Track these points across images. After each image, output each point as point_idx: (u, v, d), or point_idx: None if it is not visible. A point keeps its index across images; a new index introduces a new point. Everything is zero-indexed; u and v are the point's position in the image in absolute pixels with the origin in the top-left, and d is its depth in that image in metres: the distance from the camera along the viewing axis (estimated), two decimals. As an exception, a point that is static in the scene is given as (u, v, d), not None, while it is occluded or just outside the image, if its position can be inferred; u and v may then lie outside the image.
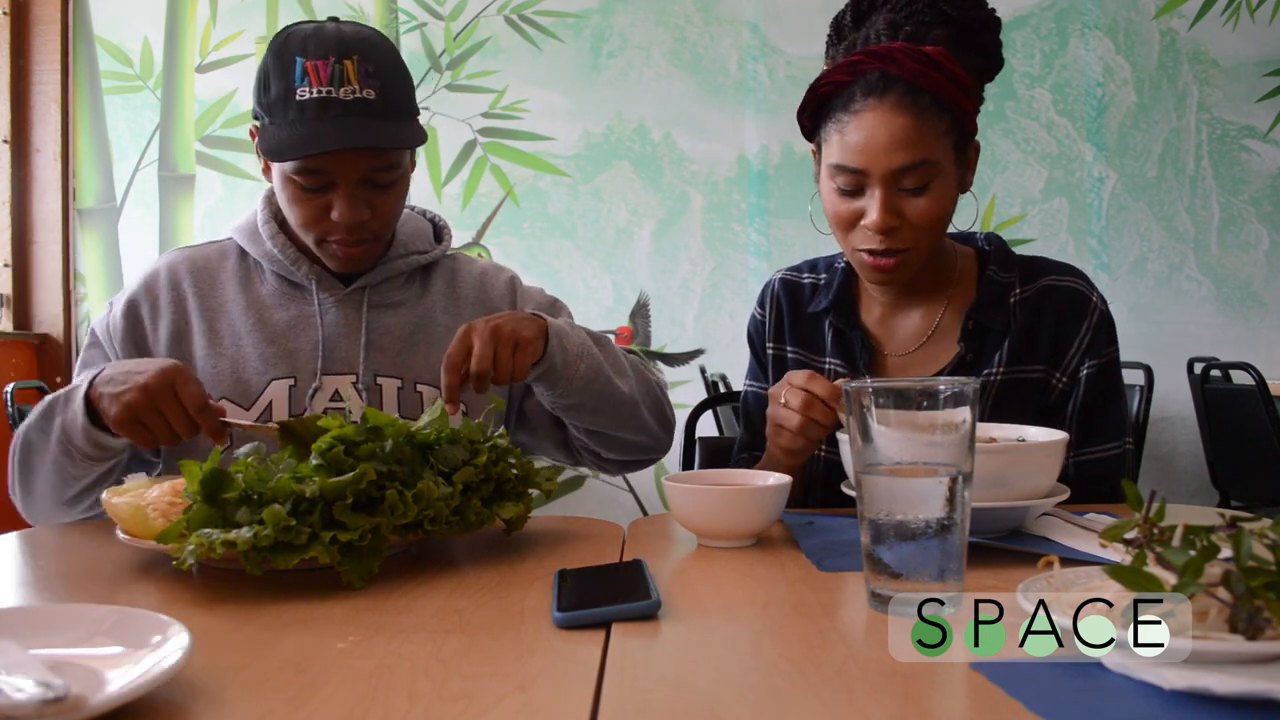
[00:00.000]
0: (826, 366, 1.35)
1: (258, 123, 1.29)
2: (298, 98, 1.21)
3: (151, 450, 1.29)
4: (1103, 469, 1.26)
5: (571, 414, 1.32)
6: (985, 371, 1.26)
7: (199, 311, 1.34)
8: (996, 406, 1.26)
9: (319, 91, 1.21)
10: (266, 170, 1.31)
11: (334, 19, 1.29)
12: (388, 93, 1.24)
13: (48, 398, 1.23)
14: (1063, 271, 1.32)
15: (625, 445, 1.38)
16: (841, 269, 1.38)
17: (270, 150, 1.23)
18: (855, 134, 1.18)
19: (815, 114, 1.25)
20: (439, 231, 1.48)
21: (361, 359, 1.33)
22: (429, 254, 1.41)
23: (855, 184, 1.20)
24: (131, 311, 1.35)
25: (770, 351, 1.41)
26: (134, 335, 1.34)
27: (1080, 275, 1.32)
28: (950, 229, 1.29)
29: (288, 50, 1.23)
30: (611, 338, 1.42)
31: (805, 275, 1.42)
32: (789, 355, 1.39)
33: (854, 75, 1.19)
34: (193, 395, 1.10)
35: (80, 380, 1.18)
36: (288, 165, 1.23)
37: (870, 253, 1.22)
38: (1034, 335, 1.28)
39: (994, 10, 1.26)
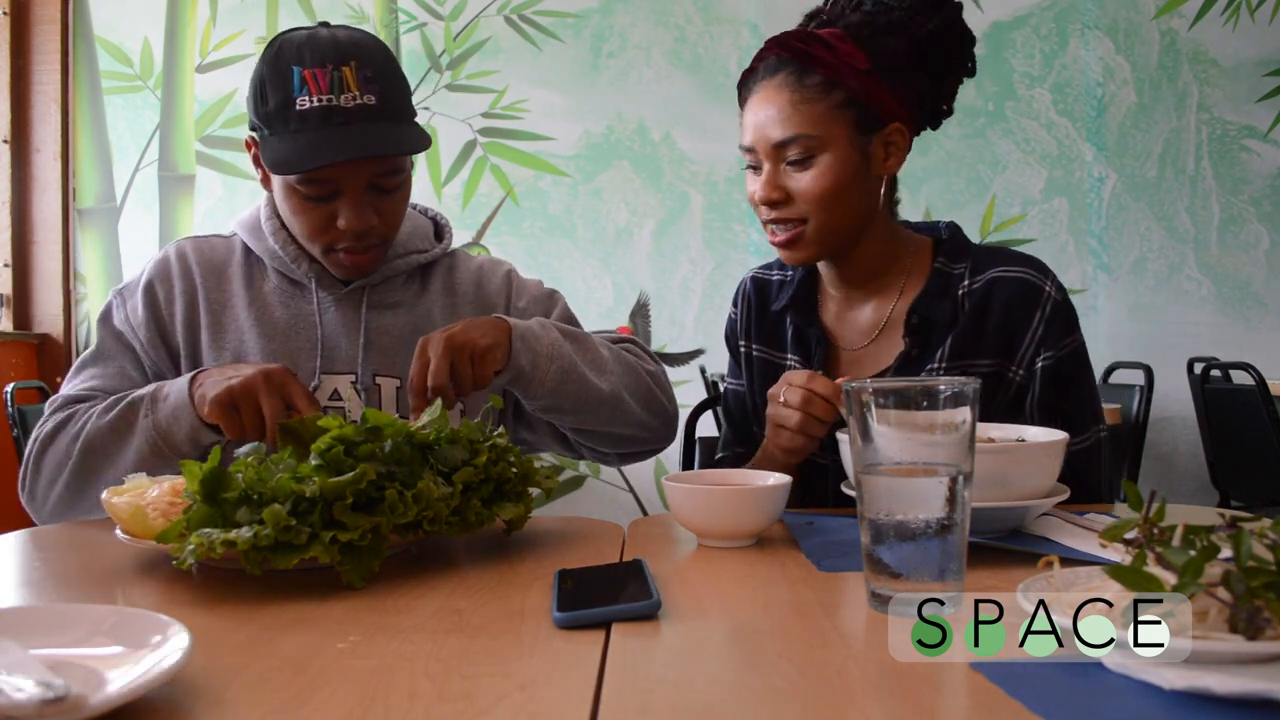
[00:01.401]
0: (787, 362, 1.35)
1: (255, 135, 1.26)
2: (298, 108, 1.19)
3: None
4: (1074, 462, 1.22)
5: (551, 415, 1.30)
6: (928, 366, 1.24)
7: (206, 304, 1.34)
8: None
9: (320, 100, 1.19)
10: (265, 181, 1.30)
11: (324, 24, 1.27)
12: (388, 97, 1.22)
13: (120, 401, 1.21)
14: (1016, 261, 1.27)
15: (617, 439, 1.36)
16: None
17: (275, 163, 1.21)
18: (749, 114, 1.27)
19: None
20: (440, 229, 1.47)
21: (360, 359, 1.33)
22: (428, 253, 1.41)
23: (754, 161, 1.27)
24: (150, 299, 1.34)
25: (742, 349, 1.42)
26: (156, 321, 1.33)
27: (1035, 265, 1.27)
28: (915, 220, 1.31)
29: (283, 59, 1.21)
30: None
31: (774, 272, 1.43)
32: (755, 353, 1.40)
33: (759, 62, 1.27)
34: (295, 387, 1.12)
35: (169, 383, 1.20)
36: (292, 176, 1.21)
37: (769, 227, 1.27)
38: (980, 328, 1.24)
39: (946, 19, 1.25)
